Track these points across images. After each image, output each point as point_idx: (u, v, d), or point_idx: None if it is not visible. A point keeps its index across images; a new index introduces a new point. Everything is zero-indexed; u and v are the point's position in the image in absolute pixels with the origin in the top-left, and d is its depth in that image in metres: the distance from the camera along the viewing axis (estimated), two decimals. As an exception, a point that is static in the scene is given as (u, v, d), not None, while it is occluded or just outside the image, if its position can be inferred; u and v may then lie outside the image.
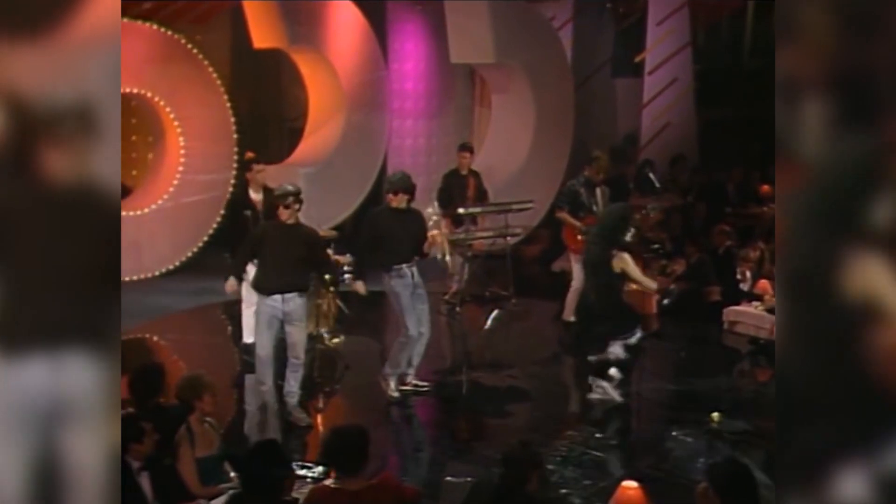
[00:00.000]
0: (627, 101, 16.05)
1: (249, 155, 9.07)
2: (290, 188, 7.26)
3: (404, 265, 7.79)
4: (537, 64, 13.00)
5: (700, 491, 4.04)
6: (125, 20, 10.95)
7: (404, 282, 7.79)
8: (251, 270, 7.72)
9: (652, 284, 8.68)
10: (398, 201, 7.76)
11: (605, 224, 8.15)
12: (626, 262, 7.90)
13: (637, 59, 15.36)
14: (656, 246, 11.79)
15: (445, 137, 13.44)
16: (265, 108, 13.02)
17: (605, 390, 7.99)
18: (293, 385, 7.40)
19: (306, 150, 12.47)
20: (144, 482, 4.97)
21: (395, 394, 7.90)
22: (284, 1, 11.60)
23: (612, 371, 8.04)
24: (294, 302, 7.24)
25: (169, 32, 11.51)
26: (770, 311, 9.68)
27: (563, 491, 6.36)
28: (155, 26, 11.37)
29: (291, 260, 7.26)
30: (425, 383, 8.17)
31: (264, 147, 12.83)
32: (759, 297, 9.94)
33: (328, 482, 4.60)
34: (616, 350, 7.96)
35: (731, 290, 10.35)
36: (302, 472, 5.69)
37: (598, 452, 7.08)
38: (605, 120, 16.41)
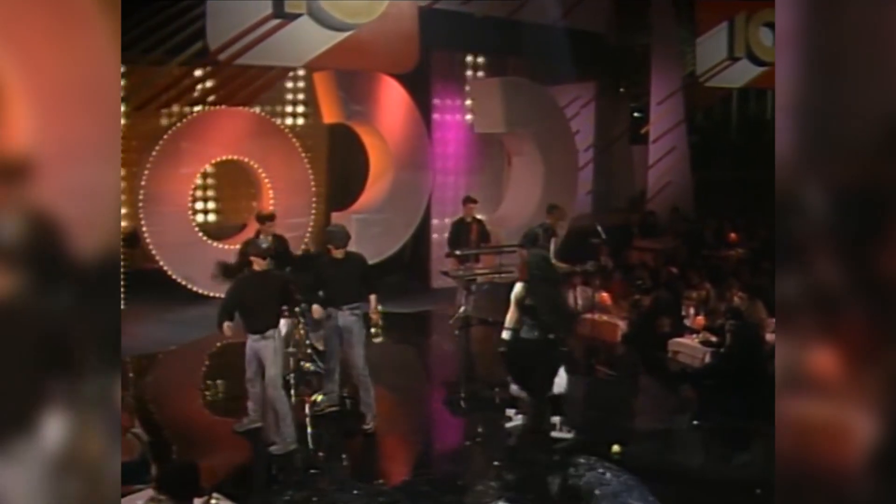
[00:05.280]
0: (640, 164, 15.14)
1: (262, 212, 8.53)
2: (262, 244, 6.57)
3: (344, 307, 6.71)
4: (544, 133, 12.10)
5: None
6: (236, 108, 10.95)
7: (330, 324, 6.86)
8: None
9: None
10: (336, 253, 6.80)
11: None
12: None
13: (642, 131, 14.55)
14: (639, 282, 10.81)
15: (480, 191, 12.71)
16: (337, 168, 12.70)
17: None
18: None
19: (365, 200, 11.98)
20: None
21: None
22: (343, 87, 11.21)
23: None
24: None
25: (262, 114, 11.39)
26: (703, 343, 8.63)
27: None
28: (251, 110, 11.25)
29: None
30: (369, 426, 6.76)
31: (338, 198, 12.60)
32: (698, 331, 8.87)
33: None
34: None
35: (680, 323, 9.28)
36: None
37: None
38: (623, 178, 15.60)
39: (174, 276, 10.92)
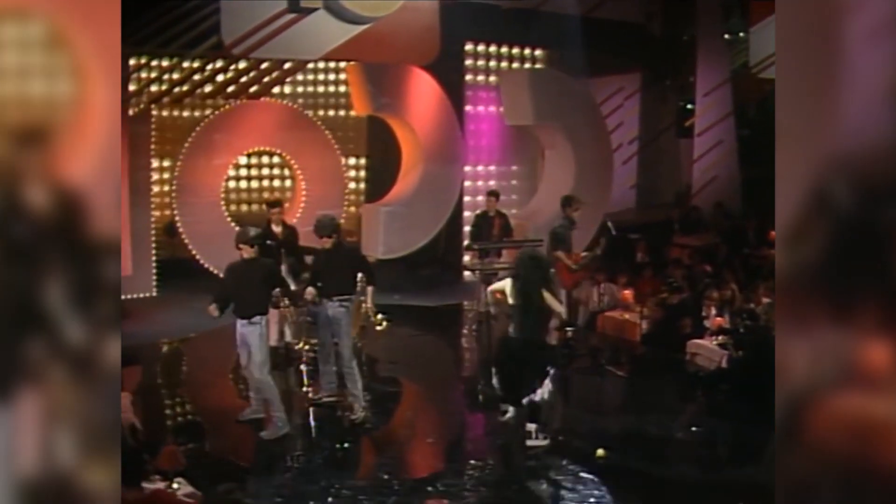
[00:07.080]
0: (686, 158, 14.60)
1: (269, 199, 8.64)
2: (251, 232, 6.55)
3: (333, 298, 6.72)
4: (576, 126, 11.75)
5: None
6: (265, 100, 11.11)
7: (321, 315, 6.93)
8: None
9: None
10: (323, 243, 6.78)
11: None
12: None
13: (687, 124, 14.02)
14: (671, 280, 10.41)
15: (515, 182, 12.57)
16: (370, 159, 12.69)
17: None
18: None
19: (395, 192, 11.92)
20: None
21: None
22: (372, 79, 11.12)
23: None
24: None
25: (295, 107, 11.47)
26: (722, 346, 8.23)
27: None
28: (285, 102, 11.36)
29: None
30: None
31: (370, 190, 12.61)
32: (719, 333, 8.46)
33: None
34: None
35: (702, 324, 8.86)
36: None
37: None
38: (668, 172, 15.08)
39: (207, 266, 11.13)
